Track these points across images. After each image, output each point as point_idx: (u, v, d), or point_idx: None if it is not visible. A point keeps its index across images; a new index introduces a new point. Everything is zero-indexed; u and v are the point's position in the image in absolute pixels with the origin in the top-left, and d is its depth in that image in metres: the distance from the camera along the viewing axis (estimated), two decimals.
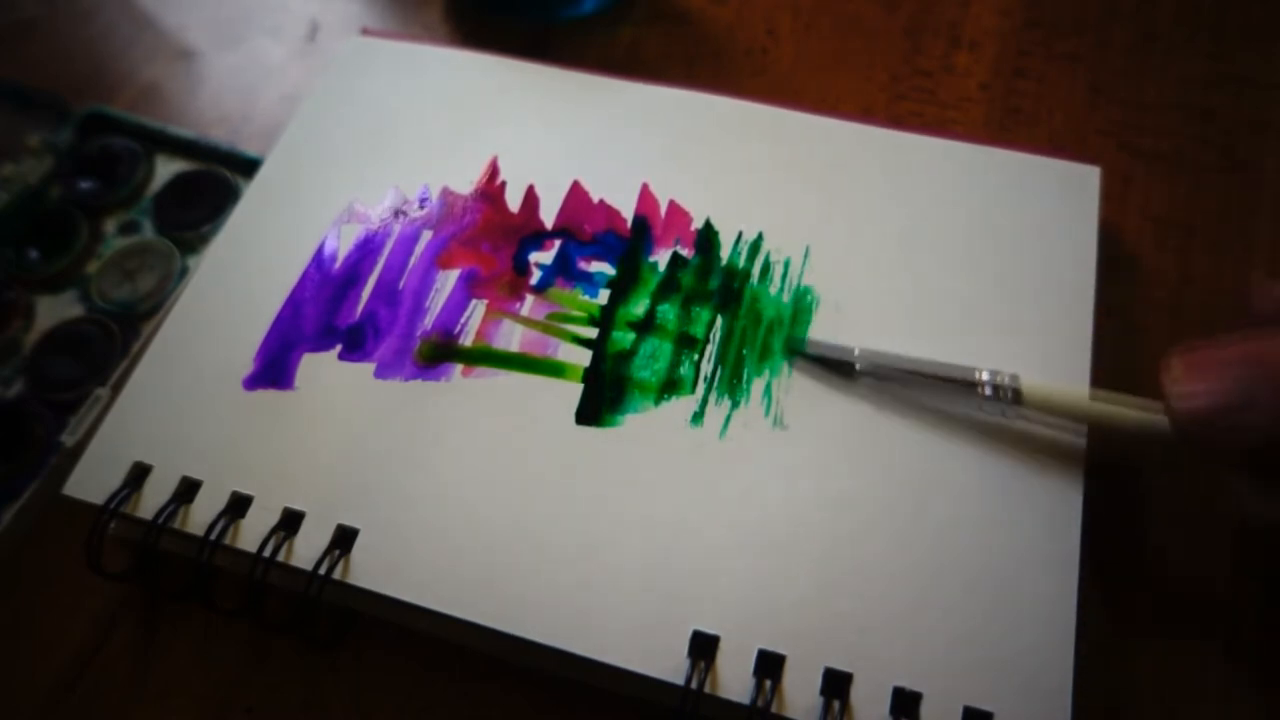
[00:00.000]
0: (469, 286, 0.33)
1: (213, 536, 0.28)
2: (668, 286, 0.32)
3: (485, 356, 0.31)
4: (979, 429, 0.29)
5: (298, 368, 0.31)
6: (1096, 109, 0.38)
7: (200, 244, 0.38)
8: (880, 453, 0.28)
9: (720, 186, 0.34)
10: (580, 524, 0.28)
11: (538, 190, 0.35)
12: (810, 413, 0.29)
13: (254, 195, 0.35)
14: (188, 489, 0.29)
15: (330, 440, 0.30)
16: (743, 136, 0.35)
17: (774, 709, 0.25)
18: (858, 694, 0.25)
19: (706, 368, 0.30)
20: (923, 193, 0.33)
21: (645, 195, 0.34)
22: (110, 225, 0.39)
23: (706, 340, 0.31)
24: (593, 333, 0.31)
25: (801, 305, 0.31)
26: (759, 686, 0.25)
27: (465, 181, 0.35)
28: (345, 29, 0.44)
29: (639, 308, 0.32)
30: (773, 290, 0.32)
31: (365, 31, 0.40)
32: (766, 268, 0.32)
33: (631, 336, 0.31)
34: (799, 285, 0.32)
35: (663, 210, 0.34)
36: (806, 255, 0.32)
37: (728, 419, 0.29)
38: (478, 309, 0.32)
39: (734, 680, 0.25)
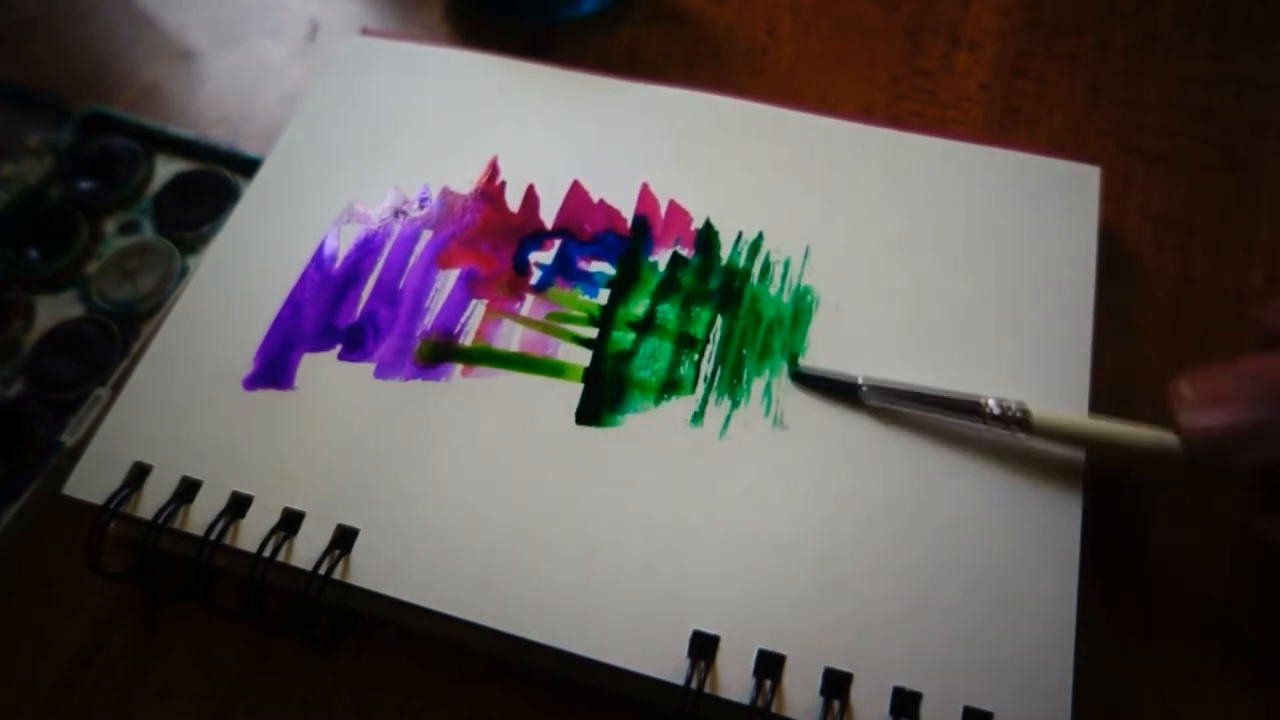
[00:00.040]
0: (469, 286, 0.33)
1: (213, 536, 0.28)
2: (668, 286, 0.32)
3: (485, 356, 0.31)
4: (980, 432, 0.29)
5: (298, 368, 0.31)
6: (1096, 109, 0.38)
7: (200, 244, 0.38)
8: (880, 452, 0.28)
9: (720, 186, 0.34)
10: (580, 524, 0.28)
11: (538, 190, 0.35)
12: (810, 413, 0.29)
13: (254, 195, 0.35)
14: (188, 489, 0.29)
15: (330, 440, 0.30)
16: (743, 136, 0.35)
17: (774, 709, 0.25)
18: (858, 694, 0.25)
19: (706, 368, 0.30)
20: (923, 193, 0.33)
21: (645, 195, 0.34)
22: (110, 225, 0.39)
23: (706, 340, 0.31)
24: (593, 333, 0.31)
25: (801, 305, 0.31)
26: (759, 686, 0.25)
27: (465, 181, 0.35)
28: (345, 29, 0.44)
29: (639, 308, 0.32)
30: (773, 290, 0.32)
31: (365, 31, 0.40)
32: (766, 268, 0.32)
33: (631, 336, 0.31)
34: (799, 285, 0.32)
35: (663, 210, 0.34)
36: (806, 255, 0.32)
37: (728, 419, 0.29)
38: (478, 309, 0.32)
39: (734, 680, 0.25)
